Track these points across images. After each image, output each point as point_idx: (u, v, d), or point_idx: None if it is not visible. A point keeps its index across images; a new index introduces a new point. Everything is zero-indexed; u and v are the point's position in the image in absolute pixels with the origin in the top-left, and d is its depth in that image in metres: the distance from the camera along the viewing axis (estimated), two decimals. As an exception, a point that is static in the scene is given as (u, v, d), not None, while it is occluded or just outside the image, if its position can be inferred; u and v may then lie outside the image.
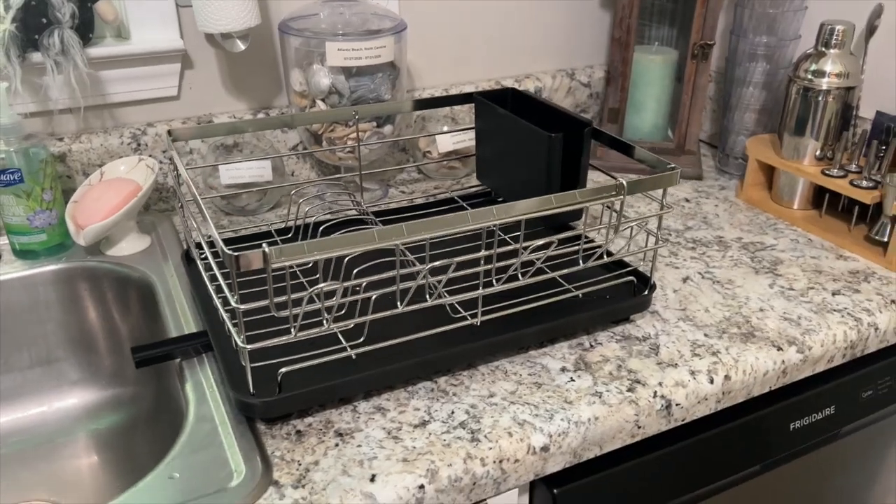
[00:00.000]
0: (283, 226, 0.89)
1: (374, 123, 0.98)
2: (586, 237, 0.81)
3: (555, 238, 0.69)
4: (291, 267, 0.64)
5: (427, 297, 0.66)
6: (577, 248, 0.73)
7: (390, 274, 0.63)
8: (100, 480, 0.84)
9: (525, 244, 0.66)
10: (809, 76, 0.94)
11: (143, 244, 0.91)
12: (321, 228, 0.86)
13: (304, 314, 0.60)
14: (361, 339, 0.65)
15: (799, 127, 0.97)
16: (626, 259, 0.80)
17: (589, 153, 0.81)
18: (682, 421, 0.70)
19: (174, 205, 1.03)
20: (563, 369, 0.70)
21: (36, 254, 0.88)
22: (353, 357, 0.64)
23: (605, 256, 0.73)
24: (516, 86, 1.21)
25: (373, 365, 0.65)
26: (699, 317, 0.79)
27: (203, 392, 0.67)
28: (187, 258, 0.84)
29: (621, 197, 0.68)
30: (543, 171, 0.80)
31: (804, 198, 1.01)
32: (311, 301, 0.59)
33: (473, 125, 0.95)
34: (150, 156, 0.99)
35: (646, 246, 0.73)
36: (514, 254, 0.67)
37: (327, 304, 0.61)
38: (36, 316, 0.88)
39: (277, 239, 0.86)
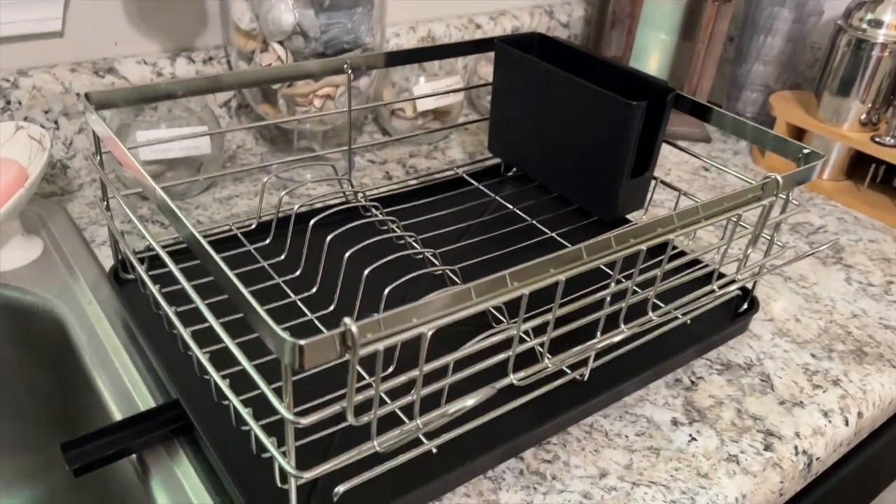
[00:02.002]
0: (251, 224, 0.64)
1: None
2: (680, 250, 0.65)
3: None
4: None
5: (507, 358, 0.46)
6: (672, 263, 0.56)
7: (485, 342, 0.42)
8: None
9: (642, 273, 0.48)
10: (864, 25, 0.81)
11: (33, 252, 0.63)
12: (311, 223, 0.59)
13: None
14: (429, 424, 0.44)
15: (844, 86, 0.84)
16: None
17: (666, 126, 0.63)
18: (816, 475, 0.56)
19: (63, 186, 0.74)
20: (675, 422, 0.53)
21: None
22: (434, 451, 0.44)
23: (716, 278, 0.56)
24: (492, 24, 1.00)
25: (453, 460, 0.45)
26: (794, 330, 0.64)
27: (188, 502, 0.44)
28: (117, 278, 0.57)
29: (772, 198, 0.51)
30: (611, 148, 0.61)
31: (837, 167, 0.89)
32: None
33: (451, 75, 0.73)
34: (27, 120, 0.70)
35: (744, 255, 0.57)
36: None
37: (425, 392, 0.39)
38: None
39: (251, 248, 0.61)
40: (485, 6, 1.00)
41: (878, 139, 0.83)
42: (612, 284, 0.46)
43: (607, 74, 0.64)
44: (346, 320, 0.32)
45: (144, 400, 0.50)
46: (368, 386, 0.37)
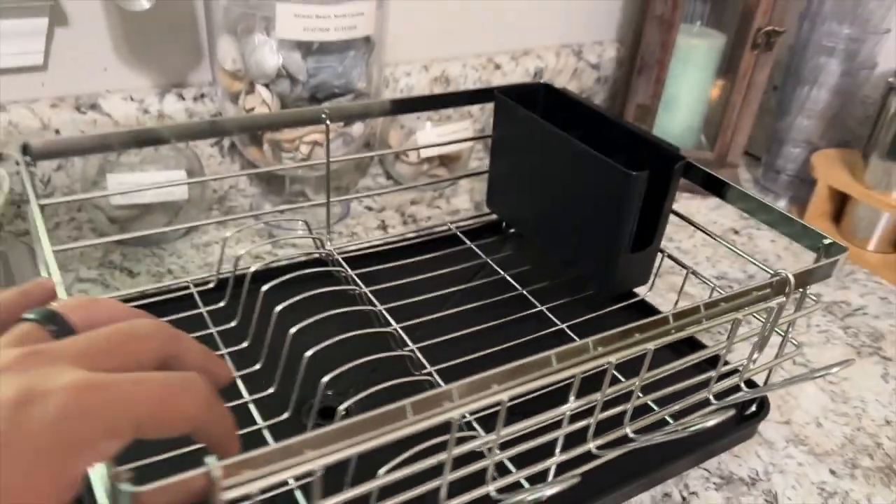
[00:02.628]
0: (208, 281, 0.59)
1: (342, 122, 0.69)
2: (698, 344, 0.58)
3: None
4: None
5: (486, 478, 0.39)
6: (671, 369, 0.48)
7: (439, 457, 0.36)
8: None
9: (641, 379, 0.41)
10: (919, 86, 0.72)
11: (-13, 299, 0.60)
12: (263, 289, 0.52)
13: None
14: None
15: (895, 149, 0.75)
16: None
17: (674, 197, 0.56)
18: None
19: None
20: (657, 551, 0.46)
21: None
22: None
23: (715, 380, 0.48)
24: (513, 65, 0.94)
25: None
26: (812, 437, 0.56)
27: None
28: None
29: (782, 299, 0.43)
30: (609, 218, 0.54)
31: (885, 238, 0.80)
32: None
33: (463, 119, 0.68)
34: (1, 157, 0.67)
35: (748, 361, 0.49)
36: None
37: None
38: None
39: (203, 311, 0.56)
40: (507, 44, 0.94)
41: (931, 212, 0.74)
42: (573, 396, 0.39)
43: (616, 135, 0.58)
44: (208, 460, 0.26)
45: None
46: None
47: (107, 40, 0.70)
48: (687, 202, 0.88)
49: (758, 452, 0.54)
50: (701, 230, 0.59)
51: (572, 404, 0.39)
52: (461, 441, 0.36)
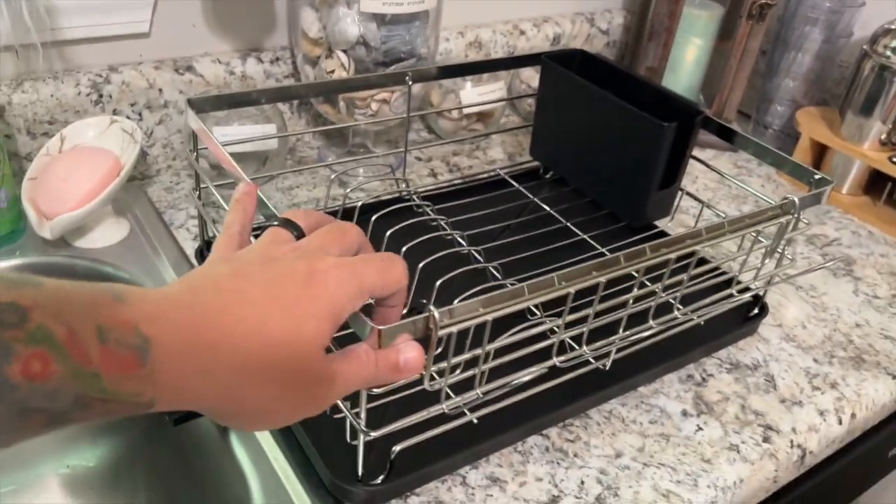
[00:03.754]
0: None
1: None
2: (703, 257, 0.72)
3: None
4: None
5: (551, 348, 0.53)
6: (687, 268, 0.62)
7: (526, 333, 0.49)
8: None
9: (669, 279, 0.55)
10: (889, 53, 0.86)
11: (121, 232, 0.71)
12: (373, 218, 0.65)
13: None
14: (475, 400, 0.51)
15: (866, 106, 0.89)
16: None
17: (694, 144, 0.69)
18: (809, 467, 0.63)
19: (143, 171, 0.82)
20: (685, 413, 0.60)
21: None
22: (475, 422, 0.51)
23: (734, 284, 0.62)
24: (535, 31, 1.06)
25: (489, 430, 0.52)
26: (800, 336, 0.71)
27: (264, 458, 0.52)
28: (202, 257, 0.66)
29: (790, 217, 0.57)
30: (642, 162, 0.68)
31: (856, 183, 0.94)
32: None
33: (496, 80, 0.80)
34: (116, 112, 0.78)
35: (761, 265, 0.63)
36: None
37: (485, 367, 0.47)
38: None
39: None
40: (529, 13, 1.06)
41: (895, 159, 0.88)
42: (636, 288, 0.53)
43: (642, 93, 0.70)
44: (431, 307, 0.39)
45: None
46: (436, 361, 0.45)
47: (198, 10, 0.81)
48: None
49: (758, 347, 0.69)
50: (715, 171, 0.72)
51: (637, 292, 0.52)
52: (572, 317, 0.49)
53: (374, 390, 0.42)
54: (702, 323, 0.63)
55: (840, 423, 0.62)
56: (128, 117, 0.79)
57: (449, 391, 0.47)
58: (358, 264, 0.38)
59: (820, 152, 0.97)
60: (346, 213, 0.68)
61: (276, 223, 0.41)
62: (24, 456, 0.69)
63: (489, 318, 0.42)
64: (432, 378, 0.44)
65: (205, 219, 0.63)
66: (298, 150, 0.91)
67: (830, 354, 0.69)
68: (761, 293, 0.68)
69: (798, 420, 0.61)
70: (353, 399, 0.43)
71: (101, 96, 0.76)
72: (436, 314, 0.39)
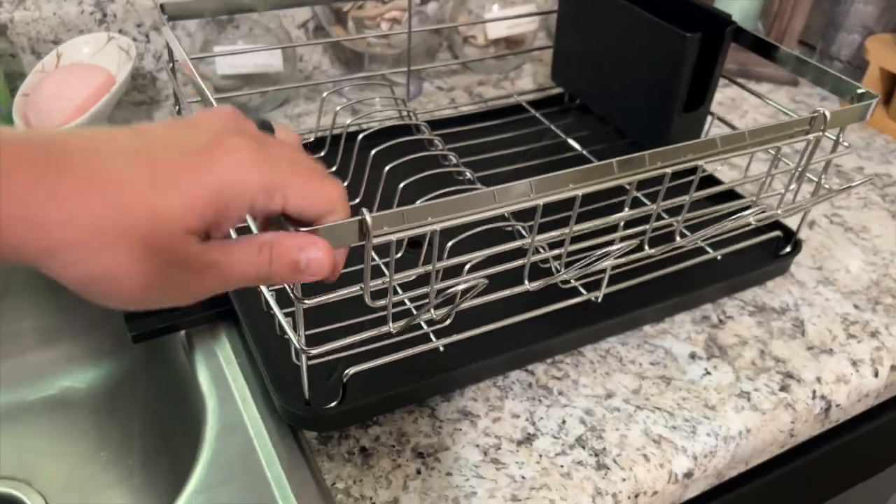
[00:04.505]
0: (309, 138, 0.68)
1: (418, 0, 0.75)
2: (715, 182, 0.64)
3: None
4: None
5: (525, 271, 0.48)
6: (710, 193, 0.55)
7: (501, 248, 0.44)
8: (75, 458, 0.67)
9: (666, 201, 0.48)
10: (976, -36, 0.74)
11: (118, 153, 0.70)
12: (359, 138, 0.62)
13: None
14: (444, 325, 0.47)
15: (947, 30, 0.77)
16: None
17: (724, 60, 0.62)
18: (836, 423, 0.56)
19: (152, 96, 0.80)
20: (693, 356, 0.54)
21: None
22: (441, 350, 0.47)
23: (751, 213, 0.55)
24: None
25: (461, 359, 0.48)
26: (842, 280, 0.63)
27: (224, 380, 0.50)
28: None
29: (819, 133, 0.49)
30: (664, 80, 0.60)
31: (932, 118, 0.83)
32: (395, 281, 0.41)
33: (527, 2, 0.73)
34: (121, 32, 0.76)
35: (793, 195, 0.54)
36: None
37: (439, 286, 0.42)
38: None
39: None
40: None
41: (977, 89, 0.77)
42: (628, 207, 0.47)
43: (672, 6, 0.63)
44: (363, 210, 0.35)
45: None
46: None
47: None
48: (739, 90, 0.92)
49: (790, 290, 0.61)
50: (749, 91, 0.64)
51: (627, 213, 0.46)
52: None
53: (307, 302, 0.38)
54: (718, 257, 0.56)
55: (876, 375, 0.55)
56: (134, 39, 0.76)
57: (413, 311, 0.43)
58: (280, 160, 0.32)
59: (891, 84, 0.86)
60: (335, 139, 0.64)
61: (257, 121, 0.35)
62: (16, 377, 0.69)
63: (437, 227, 0.37)
64: (376, 295, 0.39)
65: None
66: (314, 78, 0.87)
67: (875, 301, 0.61)
68: (793, 228, 0.61)
69: (825, 369, 0.54)
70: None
71: (104, 15, 0.74)
72: (368, 218, 0.34)
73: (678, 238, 0.52)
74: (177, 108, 0.61)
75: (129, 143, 0.29)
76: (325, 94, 0.66)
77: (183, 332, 0.53)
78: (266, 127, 0.35)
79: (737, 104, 0.88)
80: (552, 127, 0.72)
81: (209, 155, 0.30)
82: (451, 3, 0.87)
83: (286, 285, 0.39)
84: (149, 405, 0.70)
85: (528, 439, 0.47)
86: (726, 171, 0.74)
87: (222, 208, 0.30)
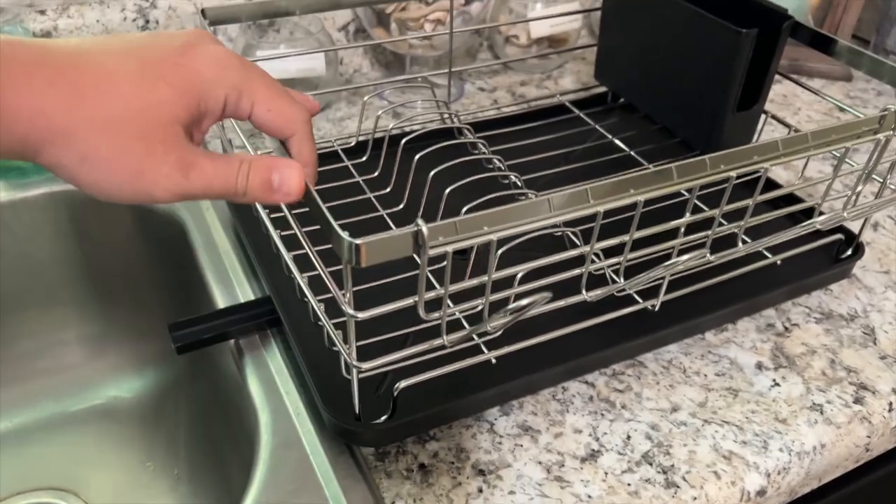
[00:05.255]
0: (350, 142, 0.67)
1: (462, 0, 0.74)
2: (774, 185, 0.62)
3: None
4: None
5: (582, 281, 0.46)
6: (772, 196, 0.53)
7: (558, 257, 0.43)
8: (121, 468, 0.67)
9: (728, 206, 0.46)
10: None
11: (162, 160, 0.69)
12: (402, 143, 0.60)
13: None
14: (496, 336, 0.45)
15: None
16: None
17: (780, 56, 0.59)
18: (913, 436, 0.53)
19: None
20: (760, 366, 0.52)
21: (22, 171, 0.66)
22: (494, 361, 0.45)
23: (817, 214, 0.52)
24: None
25: (514, 370, 0.46)
26: (912, 284, 0.60)
27: (276, 392, 0.48)
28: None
29: (890, 132, 0.47)
30: (717, 78, 0.58)
31: None
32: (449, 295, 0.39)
33: (570, 0, 0.71)
34: (163, 37, 0.75)
35: (853, 192, 0.52)
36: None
37: (494, 298, 0.41)
38: (29, 248, 0.68)
39: (349, 164, 0.64)
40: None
41: None
42: (688, 213, 0.45)
43: (723, 0, 0.61)
44: (419, 221, 0.33)
45: (245, 295, 0.55)
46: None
47: (247, -70, 0.76)
48: (792, 86, 0.89)
49: (857, 295, 0.58)
50: (805, 87, 0.61)
51: (689, 218, 0.44)
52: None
53: (360, 315, 0.37)
54: (778, 262, 0.54)
55: (955, 385, 0.52)
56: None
57: (464, 322, 0.42)
58: (252, 70, 0.35)
59: (953, 78, 0.83)
60: (377, 142, 0.63)
61: None
62: (63, 387, 0.69)
63: (494, 237, 0.35)
64: (430, 307, 0.38)
65: (224, 147, 0.59)
66: (355, 81, 0.86)
67: (949, 307, 0.58)
68: (855, 230, 0.58)
69: (901, 380, 0.51)
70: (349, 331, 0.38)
71: (147, 21, 0.74)
72: (424, 229, 0.33)
73: (740, 244, 0.50)
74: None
75: (118, 44, 0.32)
76: (366, 98, 0.64)
77: (232, 341, 0.52)
78: None
79: (788, 101, 0.85)
80: (597, 127, 0.70)
81: (190, 53, 0.33)
82: (493, 2, 0.85)
83: (337, 296, 0.38)
84: (195, 413, 0.69)
85: (593, 455, 0.46)
86: (780, 172, 0.71)
87: (203, 100, 0.33)
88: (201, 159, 0.33)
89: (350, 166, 0.63)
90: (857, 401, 0.50)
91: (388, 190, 0.60)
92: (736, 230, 0.49)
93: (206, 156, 0.33)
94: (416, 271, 0.36)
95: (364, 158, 0.64)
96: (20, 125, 0.29)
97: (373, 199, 0.59)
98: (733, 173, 0.42)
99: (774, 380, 0.51)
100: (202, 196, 0.33)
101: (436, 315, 0.38)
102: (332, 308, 0.42)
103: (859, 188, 0.51)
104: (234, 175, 0.34)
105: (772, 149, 0.44)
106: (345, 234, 0.32)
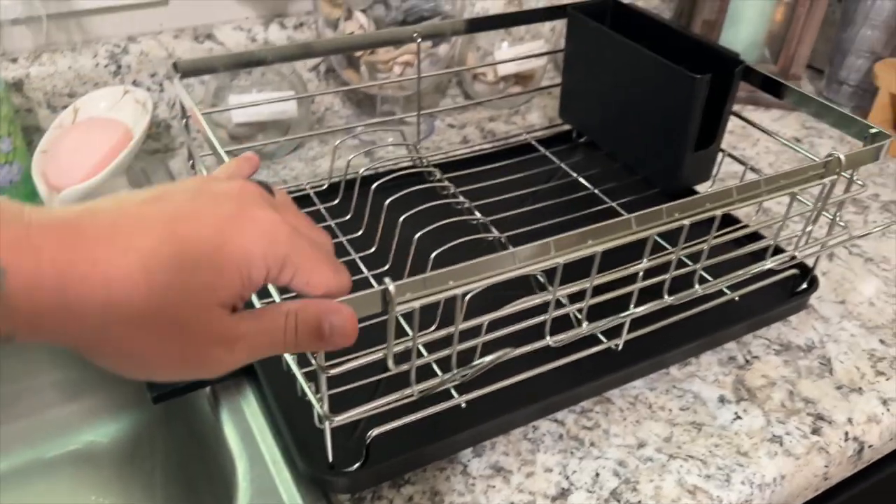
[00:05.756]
0: (323, 185, 0.68)
1: (430, 43, 0.76)
2: (733, 220, 0.64)
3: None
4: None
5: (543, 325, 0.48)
6: (728, 239, 0.55)
7: (522, 305, 0.44)
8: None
9: (685, 246, 0.48)
10: (984, -9, 0.74)
11: (136, 205, 0.70)
12: (373, 186, 0.63)
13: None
14: (461, 379, 0.46)
15: (956, 55, 0.78)
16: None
17: (734, 98, 0.62)
18: (868, 462, 0.55)
19: (167, 144, 0.81)
20: (723, 399, 0.54)
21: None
22: (464, 406, 0.47)
23: (771, 253, 0.55)
24: (582, -13, 0.98)
25: (484, 413, 0.48)
26: (865, 313, 0.62)
27: (253, 439, 0.49)
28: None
29: (834, 177, 0.49)
30: (675, 119, 0.61)
31: (945, 142, 0.83)
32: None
33: (535, 39, 0.74)
34: (135, 83, 0.76)
35: (802, 232, 0.54)
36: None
37: (461, 347, 0.42)
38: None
39: (321, 207, 0.65)
40: (575, -32, 0.99)
41: None
42: (646, 258, 0.47)
43: (680, 45, 0.63)
44: (386, 280, 0.35)
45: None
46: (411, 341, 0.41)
47: (217, -24, 0.78)
48: (750, 114, 0.92)
49: (814, 326, 0.61)
50: (758, 128, 0.64)
51: (646, 264, 0.46)
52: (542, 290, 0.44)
53: (331, 371, 0.38)
54: (736, 298, 0.56)
55: (908, 413, 0.55)
56: (148, 88, 0.77)
57: (436, 367, 0.43)
58: (301, 238, 0.32)
59: (902, 109, 0.86)
60: (350, 184, 0.65)
61: (259, 181, 0.35)
62: (39, 432, 0.69)
63: (458, 291, 0.37)
64: (399, 359, 0.39)
65: (191, 154, 0.60)
66: (327, 119, 0.88)
67: (901, 335, 0.60)
68: (810, 264, 0.60)
69: (856, 409, 0.54)
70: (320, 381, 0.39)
71: (119, 67, 0.75)
72: (391, 287, 0.34)
73: (697, 285, 0.52)
74: (190, 162, 0.61)
75: (154, 213, 0.29)
76: (336, 143, 0.66)
77: (208, 388, 0.53)
78: (267, 189, 0.35)
79: (748, 132, 0.88)
80: (562, 165, 0.73)
81: (236, 226, 0.30)
82: (461, 41, 0.88)
83: (308, 353, 0.39)
84: (172, 457, 0.69)
85: (563, 494, 0.47)
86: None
87: (246, 280, 0.30)
88: (247, 328, 0.30)
89: (322, 209, 0.65)
90: (815, 431, 0.52)
91: (361, 233, 0.61)
92: (692, 272, 0.51)
93: (252, 322, 0.31)
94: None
95: (336, 201, 0.66)
96: (54, 321, 0.27)
97: (345, 242, 0.61)
98: (687, 221, 0.44)
99: (736, 412, 0.53)
100: (252, 360, 0.32)
101: (405, 367, 0.40)
102: (304, 359, 0.43)
103: (809, 228, 0.53)
104: (280, 332, 0.31)
105: (725, 195, 0.46)
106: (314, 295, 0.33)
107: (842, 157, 0.49)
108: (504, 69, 0.86)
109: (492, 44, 0.88)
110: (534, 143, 0.76)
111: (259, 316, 0.31)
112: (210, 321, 0.29)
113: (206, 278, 0.29)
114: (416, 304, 0.36)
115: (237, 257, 0.29)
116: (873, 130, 0.52)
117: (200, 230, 0.29)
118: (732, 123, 0.86)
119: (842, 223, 0.56)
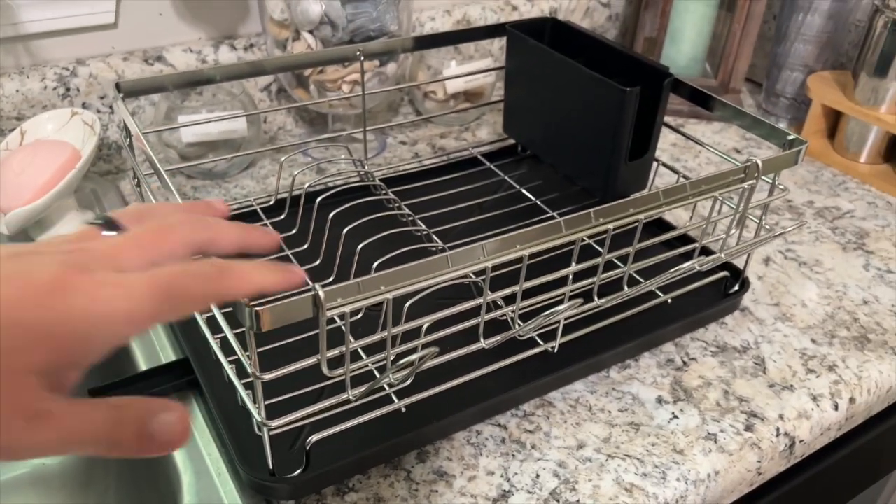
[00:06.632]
0: (269, 200, 0.69)
1: (377, 62, 0.78)
2: (669, 225, 0.67)
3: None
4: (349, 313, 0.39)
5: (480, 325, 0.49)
6: (656, 242, 0.57)
7: (456, 309, 0.46)
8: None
9: (611, 252, 0.50)
10: (902, 6, 0.78)
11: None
12: (318, 200, 0.65)
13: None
14: (406, 385, 0.48)
15: (881, 67, 0.81)
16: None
17: (665, 110, 0.64)
18: (801, 457, 0.57)
19: (118, 165, 0.81)
20: (660, 400, 0.56)
21: (-59, 242, 0.66)
22: (403, 410, 0.48)
23: (698, 254, 0.57)
24: (529, 6, 1.01)
25: (426, 417, 0.49)
26: (798, 315, 0.65)
27: (198, 453, 0.50)
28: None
29: (753, 181, 0.52)
30: (608, 131, 0.63)
31: (875, 150, 0.87)
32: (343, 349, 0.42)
33: (484, 57, 0.76)
34: (85, 105, 0.77)
35: (735, 235, 0.57)
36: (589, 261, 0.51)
37: (396, 350, 0.43)
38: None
39: (267, 222, 0.67)
40: (522, -13, 1.02)
41: (914, 122, 0.81)
42: (574, 262, 0.48)
43: (615, 61, 0.66)
44: (316, 286, 0.36)
45: (168, 356, 0.56)
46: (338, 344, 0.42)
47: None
48: (693, 127, 0.95)
49: (749, 328, 0.63)
50: (686, 136, 0.67)
51: (575, 267, 0.48)
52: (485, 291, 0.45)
53: (265, 377, 0.39)
54: (669, 300, 0.58)
55: (836, 408, 0.57)
56: (98, 111, 0.78)
57: (376, 372, 0.44)
58: (158, 279, 0.28)
59: (835, 119, 0.90)
60: (295, 199, 0.66)
61: (93, 220, 0.32)
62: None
63: (389, 296, 0.38)
64: (333, 364, 0.40)
65: (138, 178, 0.60)
66: (279, 138, 0.89)
67: (831, 334, 0.63)
68: (741, 266, 0.63)
69: (787, 406, 0.56)
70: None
71: (68, 90, 0.76)
72: (321, 292, 0.35)
73: (626, 287, 0.54)
74: (135, 180, 0.62)
75: None
76: (283, 159, 0.67)
77: (156, 407, 0.53)
78: (112, 226, 0.31)
79: (690, 144, 0.91)
80: (507, 178, 0.75)
81: (57, 292, 0.26)
82: (411, 61, 0.89)
83: (243, 358, 0.40)
84: (122, 475, 0.69)
85: (504, 496, 0.48)
86: (677, 211, 0.76)
87: (67, 354, 0.26)
88: (53, 406, 0.26)
89: (269, 224, 0.66)
90: (748, 428, 0.54)
91: (306, 246, 0.63)
92: (622, 274, 0.53)
93: (64, 403, 0.26)
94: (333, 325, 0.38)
95: (283, 216, 0.67)
96: None
97: (290, 256, 0.62)
98: (611, 226, 0.46)
99: (673, 412, 0.55)
100: (60, 451, 0.27)
101: (339, 372, 0.41)
102: (244, 369, 0.44)
103: (733, 231, 0.55)
104: (100, 424, 0.27)
105: (652, 199, 0.48)
106: (245, 301, 0.34)
107: (759, 161, 0.51)
108: (453, 87, 0.88)
109: (441, 63, 0.90)
110: (479, 156, 0.78)
111: (81, 401, 0.27)
112: (11, 386, 0.25)
113: (11, 342, 0.25)
114: (347, 309, 0.37)
115: (54, 329, 0.26)
116: (790, 137, 0.55)
117: (13, 294, 0.26)
118: (674, 136, 0.89)
119: (767, 226, 0.59)
